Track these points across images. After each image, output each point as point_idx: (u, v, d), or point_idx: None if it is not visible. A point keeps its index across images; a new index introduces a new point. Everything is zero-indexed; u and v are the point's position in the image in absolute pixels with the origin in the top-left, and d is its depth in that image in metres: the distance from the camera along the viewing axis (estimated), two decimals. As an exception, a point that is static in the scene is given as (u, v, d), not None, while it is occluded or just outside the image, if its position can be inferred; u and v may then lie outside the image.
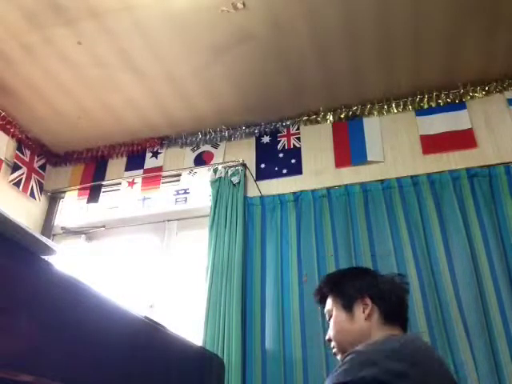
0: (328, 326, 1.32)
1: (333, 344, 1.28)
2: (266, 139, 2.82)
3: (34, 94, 2.61)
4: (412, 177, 2.34)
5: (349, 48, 2.31)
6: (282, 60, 2.38)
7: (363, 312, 1.24)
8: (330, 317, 1.31)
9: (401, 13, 2.11)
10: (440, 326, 1.95)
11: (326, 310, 1.35)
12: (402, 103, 2.62)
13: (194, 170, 2.83)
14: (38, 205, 2.98)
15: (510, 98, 2.48)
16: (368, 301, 1.25)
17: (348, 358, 1.00)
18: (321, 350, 2.02)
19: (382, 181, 2.39)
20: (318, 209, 2.40)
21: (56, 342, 0.68)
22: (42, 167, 3.08)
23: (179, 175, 2.85)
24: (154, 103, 2.69)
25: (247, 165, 2.68)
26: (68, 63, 2.41)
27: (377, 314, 1.23)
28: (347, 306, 1.27)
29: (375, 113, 2.66)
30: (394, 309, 1.25)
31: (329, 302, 1.34)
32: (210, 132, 2.88)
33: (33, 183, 2.95)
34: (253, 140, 2.84)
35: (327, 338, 1.31)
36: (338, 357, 1.28)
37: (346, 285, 1.31)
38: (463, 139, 2.44)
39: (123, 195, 2.90)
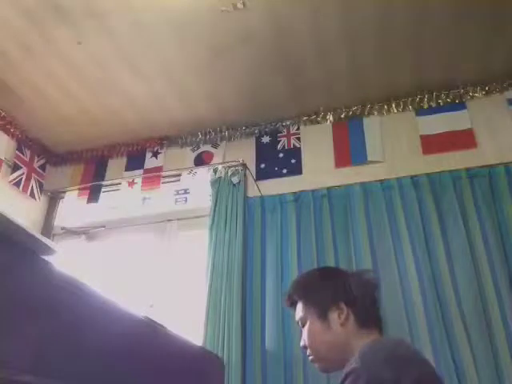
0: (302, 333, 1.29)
1: (309, 352, 1.25)
2: (266, 139, 2.82)
3: (34, 93, 2.61)
4: (412, 177, 2.34)
5: (349, 48, 2.31)
6: (282, 60, 2.38)
7: (339, 318, 1.20)
8: (303, 324, 1.27)
9: (401, 13, 2.11)
10: (440, 325, 1.95)
11: (297, 317, 1.30)
12: (402, 103, 2.62)
13: (194, 170, 2.83)
14: (38, 205, 2.98)
15: (510, 98, 2.48)
16: (343, 306, 1.21)
17: (353, 372, 0.97)
18: (321, 350, 2.02)
19: (381, 181, 2.39)
20: (317, 209, 2.40)
21: (56, 342, 0.68)
22: (42, 167, 3.08)
23: (179, 175, 2.84)
24: (154, 103, 2.69)
25: (247, 165, 2.68)
26: (68, 63, 2.41)
27: (352, 319, 1.20)
28: (322, 314, 1.22)
29: (375, 113, 2.66)
30: (368, 311, 1.22)
31: (300, 309, 1.29)
32: (209, 132, 2.88)
33: (33, 183, 2.95)
34: (253, 140, 2.84)
35: (302, 344, 1.27)
36: (316, 365, 1.25)
37: (319, 292, 1.26)
38: (463, 139, 2.44)
39: (123, 195, 2.90)
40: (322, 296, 1.25)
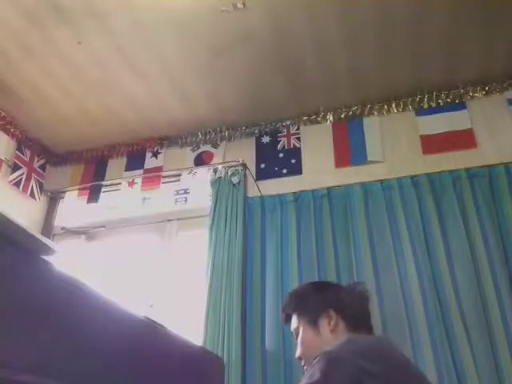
0: (297, 344, 1.33)
1: (303, 362, 1.29)
2: (266, 139, 2.82)
3: (34, 93, 2.61)
4: (412, 177, 2.34)
5: (349, 48, 2.31)
6: (282, 60, 2.38)
7: (328, 324, 1.25)
8: (297, 335, 1.33)
9: (401, 12, 2.11)
10: (440, 325, 1.95)
11: (292, 329, 1.36)
12: (401, 103, 2.62)
13: (194, 170, 2.83)
14: (38, 205, 2.98)
15: (510, 98, 2.48)
16: (332, 313, 1.26)
17: (318, 357, 1.00)
18: (321, 349, 2.02)
19: (381, 181, 2.38)
20: (317, 209, 2.40)
21: (56, 342, 0.68)
22: (42, 167, 3.08)
23: (179, 175, 2.84)
24: (154, 103, 2.69)
25: (247, 165, 2.68)
26: (68, 63, 2.41)
27: (342, 325, 1.24)
28: (312, 322, 1.28)
29: (375, 113, 2.66)
30: (357, 317, 1.27)
31: (294, 321, 1.35)
32: (209, 132, 2.88)
33: (33, 183, 2.95)
34: (253, 140, 2.84)
35: (297, 355, 1.32)
36: None
37: (309, 301, 1.33)
38: (463, 139, 2.44)
39: (123, 195, 2.90)
40: (312, 304, 1.32)
